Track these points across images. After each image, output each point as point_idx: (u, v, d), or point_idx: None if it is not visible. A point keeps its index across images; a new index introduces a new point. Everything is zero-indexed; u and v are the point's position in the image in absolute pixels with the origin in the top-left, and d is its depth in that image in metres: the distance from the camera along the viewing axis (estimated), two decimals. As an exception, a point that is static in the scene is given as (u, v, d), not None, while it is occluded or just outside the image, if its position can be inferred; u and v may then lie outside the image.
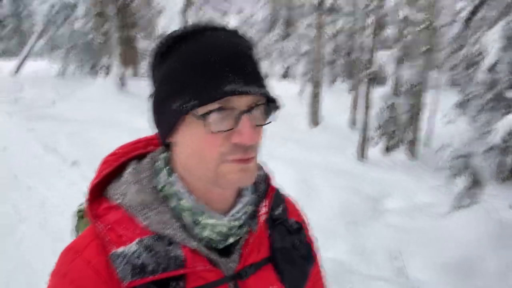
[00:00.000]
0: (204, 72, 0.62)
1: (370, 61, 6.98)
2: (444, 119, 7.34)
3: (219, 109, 0.61)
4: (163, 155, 0.73)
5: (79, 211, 0.80)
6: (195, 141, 0.64)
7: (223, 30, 0.67)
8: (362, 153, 7.44)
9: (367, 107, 7.22)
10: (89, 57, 12.42)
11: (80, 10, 12.25)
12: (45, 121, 6.64)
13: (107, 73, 10.02)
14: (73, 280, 0.63)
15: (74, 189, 4.49)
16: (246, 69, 0.63)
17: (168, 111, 0.65)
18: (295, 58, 17.78)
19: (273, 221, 0.78)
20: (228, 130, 0.62)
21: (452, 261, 3.80)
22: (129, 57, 11.45)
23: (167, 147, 0.72)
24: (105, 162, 0.73)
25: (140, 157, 0.75)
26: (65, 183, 4.62)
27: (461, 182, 4.30)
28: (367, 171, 6.55)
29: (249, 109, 0.63)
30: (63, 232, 3.55)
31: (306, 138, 9.04)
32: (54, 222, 3.82)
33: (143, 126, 6.28)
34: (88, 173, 4.90)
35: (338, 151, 7.99)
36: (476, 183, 4.18)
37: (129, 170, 0.71)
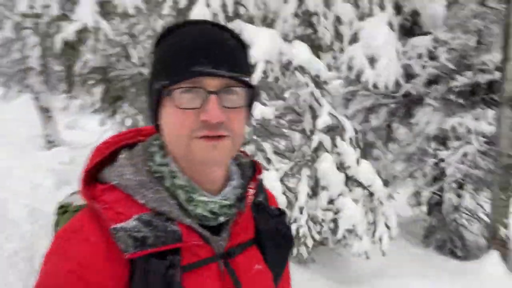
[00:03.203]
0: (178, 56, 0.66)
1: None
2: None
3: (189, 88, 0.65)
4: (156, 141, 0.75)
5: (61, 207, 0.80)
6: (170, 119, 0.67)
7: (205, 23, 0.71)
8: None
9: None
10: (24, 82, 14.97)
11: (19, 43, 14.83)
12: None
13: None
14: (73, 258, 0.63)
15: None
16: (217, 53, 0.65)
17: (151, 92, 0.70)
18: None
19: (256, 207, 0.80)
20: (196, 108, 0.65)
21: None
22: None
23: (158, 131, 0.73)
24: (97, 149, 0.74)
25: (130, 147, 0.76)
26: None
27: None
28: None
29: (218, 90, 0.65)
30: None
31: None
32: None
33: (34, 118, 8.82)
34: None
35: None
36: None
37: (123, 155, 0.73)
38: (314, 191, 2.70)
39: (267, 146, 2.82)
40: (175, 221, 0.67)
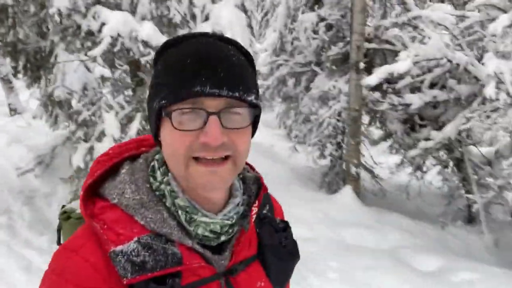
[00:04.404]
0: (178, 73, 0.62)
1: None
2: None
3: (189, 109, 0.61)
4: (158, 156, 0.72)
5: (63, 212, 0.78)
6: (169, 139, 0.64)
7: (209, 36, 0.67)
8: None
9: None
10: None
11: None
12: None
13: None
14: (71, 278, 0.61)
15: None
16: (218, 71, 0.61)
17: (151, 110, 0.67)
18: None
19: (260, 220, 0.77)
20: (195, 130, 0.62)
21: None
22: None
23: (160, 147, 0.70)
24: (98, 162, 0.71)
25: (133, 158, 0.73)
26: None
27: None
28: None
29: (219, 111, 0.61)
30: None
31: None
32: None
33: None
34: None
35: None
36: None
37: (124, 170, 0.70)
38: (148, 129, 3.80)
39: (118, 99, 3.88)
40: (175, 242, 0.65)
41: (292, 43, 8.52)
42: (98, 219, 0.65)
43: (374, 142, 7.90)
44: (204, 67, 0.61)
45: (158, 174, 0.70)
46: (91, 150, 3.69)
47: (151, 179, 0.70)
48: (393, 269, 3.95)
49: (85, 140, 3.75)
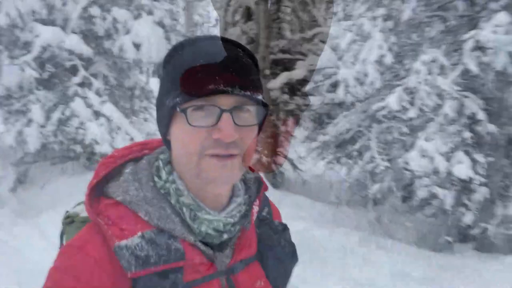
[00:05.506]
0: (191, 72, 0.64)
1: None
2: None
3: (202, 106, 0.64)
4: (162, 156, 0.74)
5: (67, 217, 0.80)
6: (181, 135, 0.66)
7: (217, 39, 0.69)
8: None
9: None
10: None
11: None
12: None
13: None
14: (76, 274, 0.62)
15: None
16: (230, 71, 0.64)
17: (163, 108, 0.69)
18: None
19: (259, 221, 0.80)
20: (208, 126, 0.64)
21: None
22: None
23: (168, 146, 0.72)
24: (102, 164, 0.73)
25: (135, 160, 0.75)
26: None
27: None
28: None
29: (231, 109, 0.64)
30: None
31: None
32: None
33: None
34: None
35: None
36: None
37: (128, 170, 0.72)
38: (68, 118, 4.83)
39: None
40: (178, 238, 0.67)
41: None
42: (103, 215, 0.67)
43: (304, 140, 9.06)
44: (217, 67, 0.64)
45: (163, 173, 0.72)
46: (20, 133, 4.68)
47: (156, 178, 0.72)
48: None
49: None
